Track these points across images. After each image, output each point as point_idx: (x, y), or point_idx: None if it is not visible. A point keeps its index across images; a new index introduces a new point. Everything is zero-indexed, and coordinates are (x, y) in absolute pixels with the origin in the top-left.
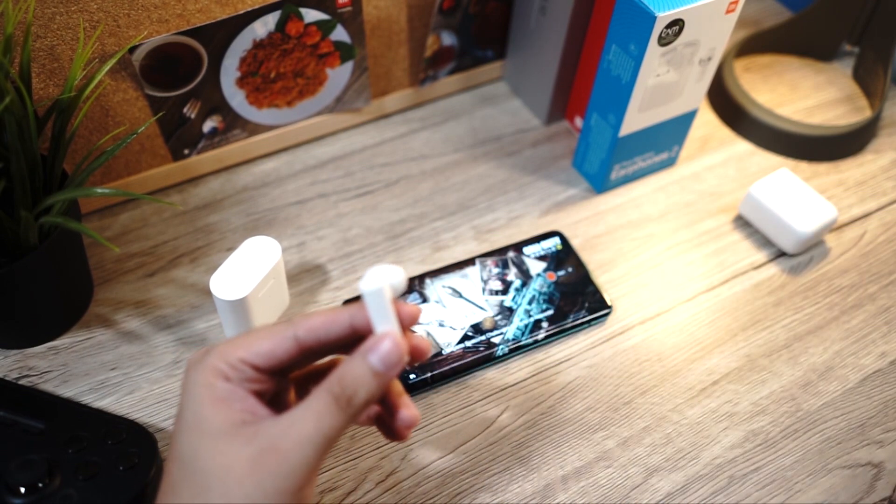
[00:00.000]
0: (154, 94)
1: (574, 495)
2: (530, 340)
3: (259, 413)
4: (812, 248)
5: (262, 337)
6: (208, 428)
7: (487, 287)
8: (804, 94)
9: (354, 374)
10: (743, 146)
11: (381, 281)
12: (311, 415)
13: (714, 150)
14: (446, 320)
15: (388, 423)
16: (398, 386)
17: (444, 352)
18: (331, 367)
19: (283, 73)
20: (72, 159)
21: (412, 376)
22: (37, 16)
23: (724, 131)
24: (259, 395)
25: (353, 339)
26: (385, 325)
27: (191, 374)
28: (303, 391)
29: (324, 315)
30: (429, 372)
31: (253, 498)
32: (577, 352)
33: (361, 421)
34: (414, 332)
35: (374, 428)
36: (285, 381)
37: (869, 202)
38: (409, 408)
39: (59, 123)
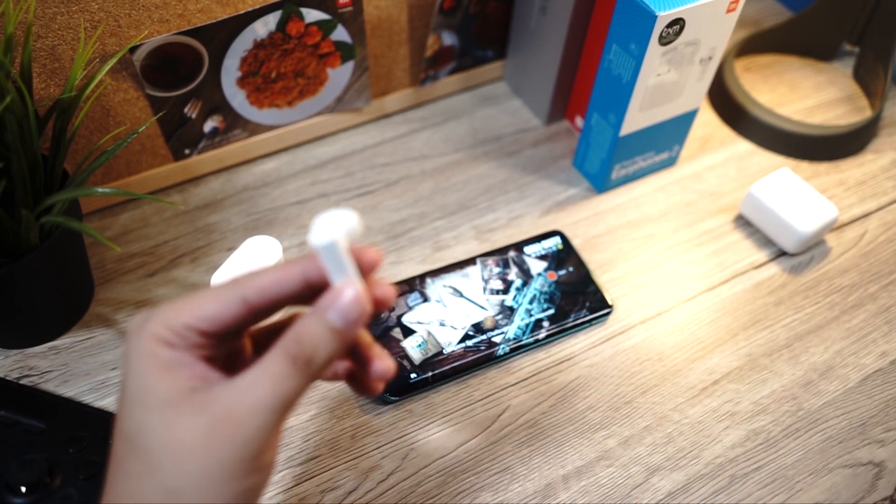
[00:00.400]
0: (155, 94)
1: (575, 494)
2: (531, 340)
3: (210, 378)
4: (812, 248)
5: (207, 299)
6: (153, 399)
7: (488, 286)
8: (804, 93)
9: (312, 332)
10: (743, 146)
11: (333, 231)
12: (268, 378)
13: (715, 149)
14: (447, 320)
15: (358, 376)
16: (366, 337)
17: (444, 351)
18: (290, 322)
19: (283, 73)
20: (72, 159)
21: (413, 376)
22: (38, 16)
23: (725, 131)
24: (209, 359)
25: (311, 292)
26: (342, 277)
27: (131, 342)
28: (261, 347)
29: (273, 272)
30: (430, 371)
31: (209, 470)
32: (578, 351)
33: (327, 377)
34: (378, 279)
35: (374, 428)
36: (238, 340)
37: (869, 202)
38: (381, 359)
39: (59, 123)
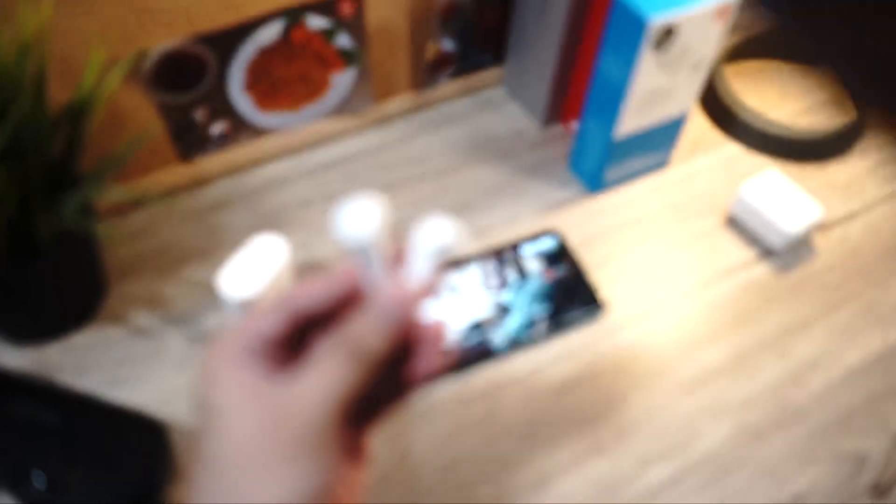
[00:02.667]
0: (164, 99)
1: (570, 487)
2: (527, 337)
3: (271, 380)
4: (800, 247)
5: (260, 314)
6: (221, 400)
7: (486, 285)
8: (792, 97)
9: (366, 329)
10: (733, 148)
11: (364, 231)
12: (324, 374)
13: (705, 152)
14: (445, 318)
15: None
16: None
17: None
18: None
19: (288, 78)
20: (85, 162)
21: None
22: (52, 24)
23: (715, 134)
24: (273, 367)
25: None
26: (378, 272)
27: (204, 362)
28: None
29: (316, 282)
30: None
31: (264, 462)
32: (573, 348)
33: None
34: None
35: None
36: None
37: (854, 202)
38: (429, 358)
39: (72, 126)
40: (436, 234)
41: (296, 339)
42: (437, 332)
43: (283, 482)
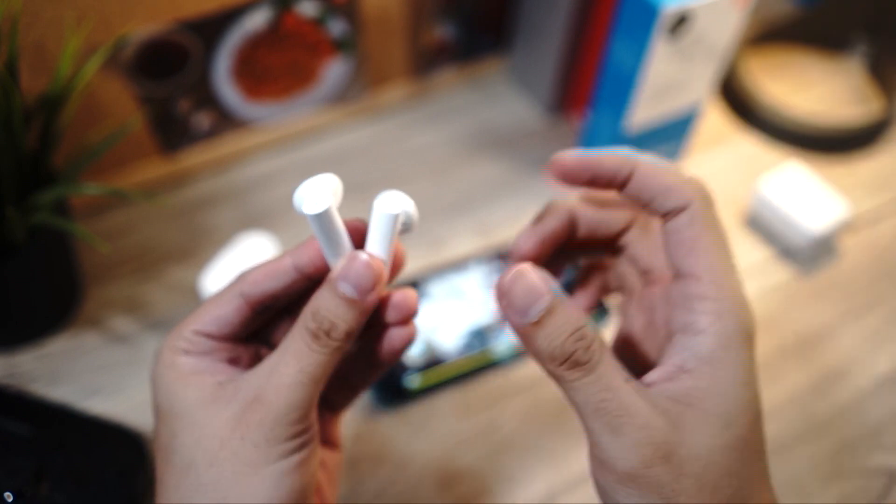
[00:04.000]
0: (145, 89)
1: (579, 499)
2: None
3: (234, 374)
4: (824, 248)
5: (209, 304)
6: (181, 405)
7: (488, 288)
8: (817, 86)
9: (327, 303)
10: (753, 140)
11: (322, 198)
12: (291, 356)
13: (722, 144)
14: (446, 323)
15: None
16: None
17: (443, 356)
18: None
19: (277, 66)
20: (61, 156)
21: (410, 382)
22: (24, 9)
23: (734, 125)
24: (232, 361)
25: (310, 283)
26: (340, 246)
27: (156, 359)
28: None
29: (266, 265)
30: (428, 377)
31: (240, 454)
32: None
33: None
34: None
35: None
36: (265, 344)
37: (882, 198)
38: (402, 330)
39: (47, 119)
40: (390, 203)
41: (260, 324)
42: (405, 303)
43: (266, 476)
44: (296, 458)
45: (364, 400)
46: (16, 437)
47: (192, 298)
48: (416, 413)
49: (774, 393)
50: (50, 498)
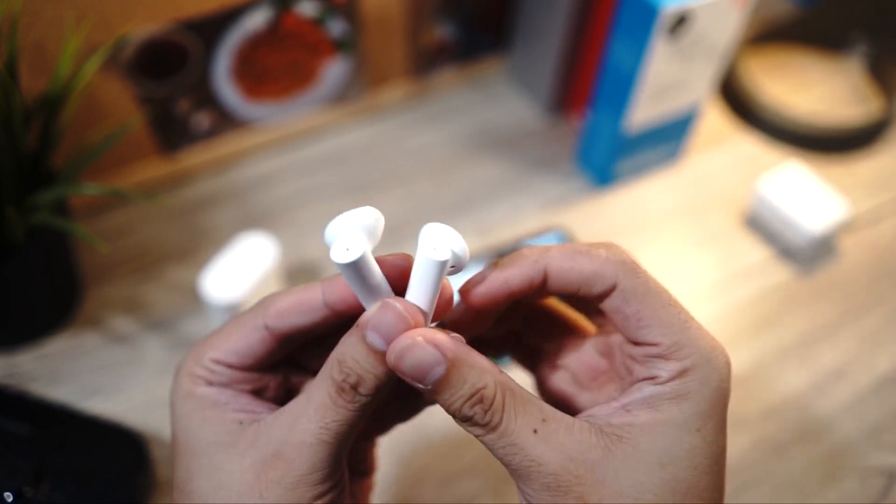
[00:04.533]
0: (144, 89)
1: None
2: None
3: (256, 412)
4: (823, 247)
5: (231, 330)
6: (200, 444)
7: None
8: (816, 87)
9: (354, 354)
10: (753, 140)
11: (355, 244)
12: (314, 409)
13: (722, 144)
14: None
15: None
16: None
17: None
18: None
19: (277, 66)
20: (60, 156)
21: None
22: (24, 9)
23: (733, 125)
24: (256, 392)
25: (342, 318)
26: (374, 292)
27: (174, 384)
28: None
29: (293, 295)
30: None
31: None
32: None
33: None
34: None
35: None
36: (297, 368)
37: (882, 198)
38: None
39: (47, 118)
40: (437, 245)
41: (287, 352)
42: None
43: None
44: None
45: None
46: (16, 437)
47: (193, 298)
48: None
49: (774, 393)
50: (50, 498)
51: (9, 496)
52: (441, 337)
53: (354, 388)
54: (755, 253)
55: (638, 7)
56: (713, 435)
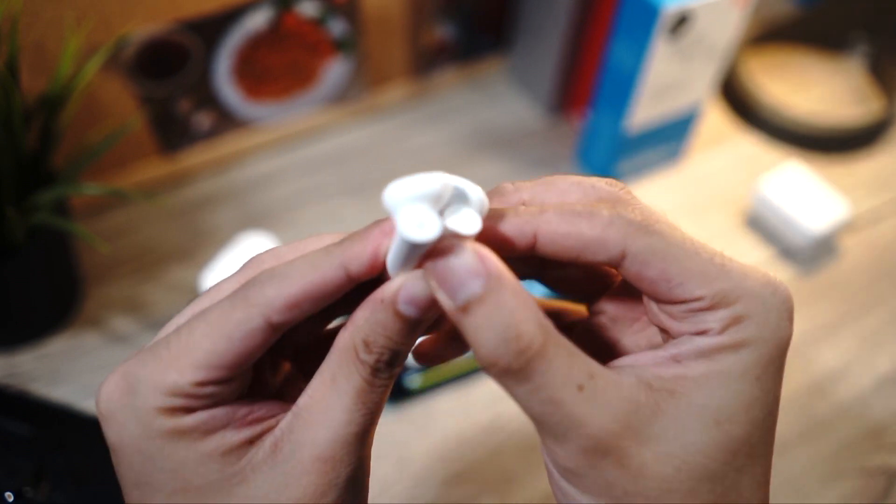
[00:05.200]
0: (145, 89)
1: None
2: None
3: (261, 417)
4: (824, 247)
5: (209, 335)
6: (211, 485)
7: None
8: (816, 87)
9: (388, 333)
10: (753, 140)
11: (430, 220)
12: (351, 399)
13: (723, 144)
14: None
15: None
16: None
17: None
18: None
19: (277, 66)
20: (61, 156)
21: (412, 381)
22: (24, 9)
23: (734, 125)
24: (252, 389)
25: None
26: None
27: (119, 434)
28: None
29: (302, 278)
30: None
31: None
32: None
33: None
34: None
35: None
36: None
37: (883, 198)
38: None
39: (47, 118)
40: (424, 217)
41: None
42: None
43: None
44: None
45: None
46: (16, 437)
47: (192, 298)
48: (416, 412)
49: None
50: (50, 498)
51: (9, 496)
52: (488, 251)
53: (390, 364)
54: (755, 253)
55: (639, 7)
56: (772, 382)
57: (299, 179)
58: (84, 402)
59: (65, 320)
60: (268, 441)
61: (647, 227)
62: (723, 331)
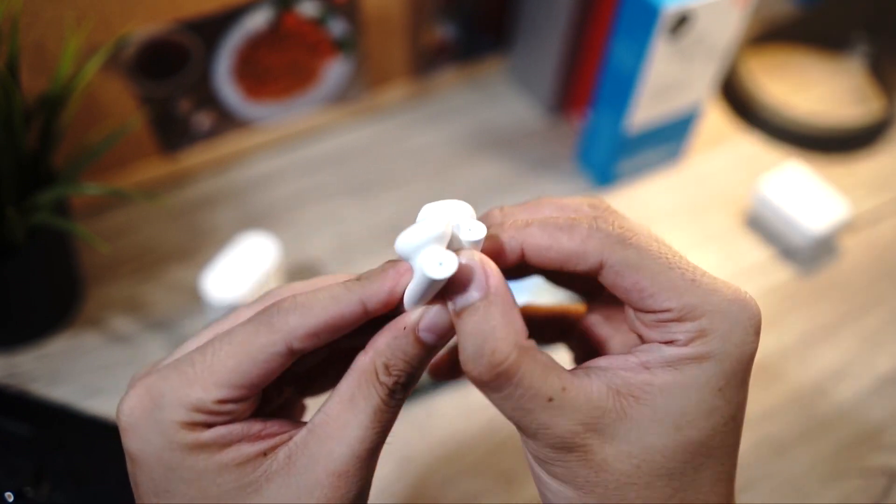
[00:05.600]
0: (145, 89)
1: None
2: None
3: (274, 432)
4: (824, 247)
5: (233, 356)
6: (219, 491)
7: None
8: (816, 87)
9: (406, 359)
10: (753, 140)
11: (448, 258)
12: (368, 417)
13: (723, 144)
14: None
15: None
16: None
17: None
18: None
19: (277, 66)
20: (61, 156)
21: None
22: (24, 9)
23: (734, 125)
24: (263, 405)
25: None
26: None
27: (144, 441)
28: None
29: (323, 311)
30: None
31: None
32: None
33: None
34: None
35: None
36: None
37: (883, 198)
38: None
39: (47, 118)
40: (441, 253)
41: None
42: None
43: None
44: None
45: None
46: (16, 437)
47: (193, 298)
48: (416, 412)
49: (774, 393)
50: (50, 498)
51: (9, 496)
52: (493, 268)
53: (405, 386)
54: (756, 253)
55: (639, 7)
56: (734, 392)
57: (299, 179)
58: (84, 402)
59: (65, 320)
60: (282, 453)
61: (624, 239)
62: (688, 343)
